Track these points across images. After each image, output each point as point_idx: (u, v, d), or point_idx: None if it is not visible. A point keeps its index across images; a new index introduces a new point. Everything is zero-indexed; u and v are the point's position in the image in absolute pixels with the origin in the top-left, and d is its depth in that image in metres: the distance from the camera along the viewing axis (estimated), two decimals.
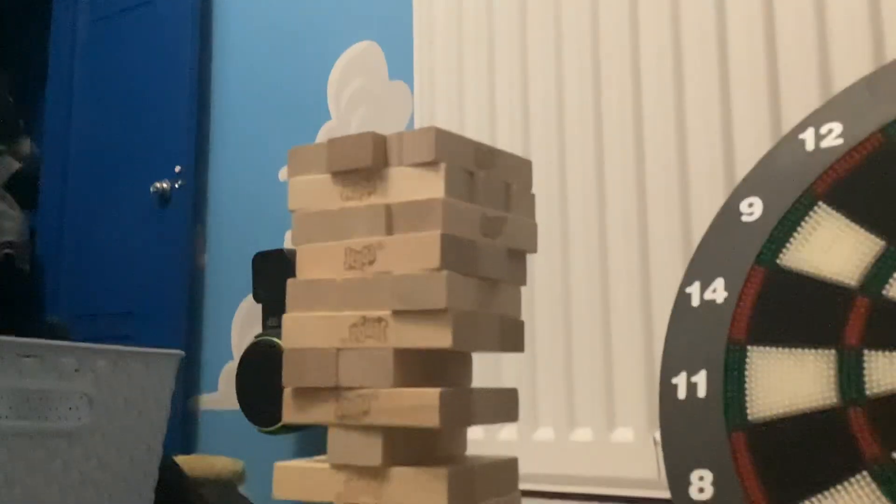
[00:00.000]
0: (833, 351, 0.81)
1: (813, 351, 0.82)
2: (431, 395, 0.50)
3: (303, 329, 0.53)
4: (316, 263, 0.54)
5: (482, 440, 1.14)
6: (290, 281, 0.55)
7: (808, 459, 0.78)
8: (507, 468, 0.58)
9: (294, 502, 0.59)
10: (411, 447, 0.53)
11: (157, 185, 2.39)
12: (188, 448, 2.20)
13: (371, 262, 0.53)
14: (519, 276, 0.59)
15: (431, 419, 0.49)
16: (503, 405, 0.59)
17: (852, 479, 0.74)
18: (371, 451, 0.51)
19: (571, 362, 1.16)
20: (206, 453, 2.06)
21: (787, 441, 0.80)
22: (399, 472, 0.50)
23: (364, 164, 0.54)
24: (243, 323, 2.24)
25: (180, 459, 1.55)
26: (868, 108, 0.91)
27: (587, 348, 1.15)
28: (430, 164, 0.52)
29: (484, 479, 0.54)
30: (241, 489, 1.80)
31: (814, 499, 0.76)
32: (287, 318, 0.54)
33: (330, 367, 0.52)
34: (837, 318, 0.82)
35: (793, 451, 0.79)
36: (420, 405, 0.50)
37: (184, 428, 2.24)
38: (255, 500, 1.77)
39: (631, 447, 1.06)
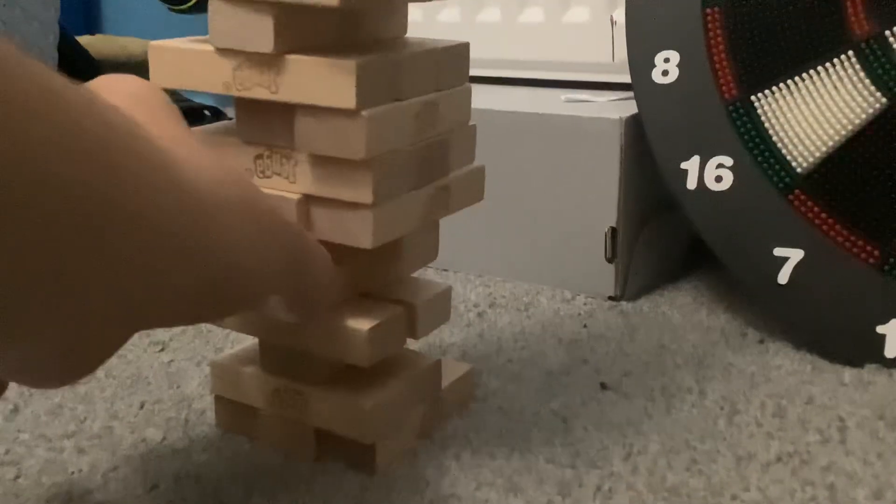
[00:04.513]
0: None
1: None
2: None
3: None
4: None
5: (421, 22, 1.02)
6: None
7: (788, 38, 0.69)
8: (458, 53, 0.46)
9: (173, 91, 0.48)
10: (314, 29, 0.41)
11: None
12: (92, 29, 2.02)
13: None
14: None
15: None
16: None
17: (835, 60, 0.66)
18: (261, 32, 0.39)
19: None
20: (113, 34, 1.89)
21: (768, 18, 0.70)
22: (297, 62, 0.39)
23: None
24: None
25: (85, 41, 1.41)
26: None
27: None
28: None
29: (410, 72, 0.42)
30: None
31: (788, 81, 0.68)
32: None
33: None
34: None
35: (773, 29, 0.70)
36: None
37: (85, 6, 2.05)
38: None
39: (586, 28, 0.95)
